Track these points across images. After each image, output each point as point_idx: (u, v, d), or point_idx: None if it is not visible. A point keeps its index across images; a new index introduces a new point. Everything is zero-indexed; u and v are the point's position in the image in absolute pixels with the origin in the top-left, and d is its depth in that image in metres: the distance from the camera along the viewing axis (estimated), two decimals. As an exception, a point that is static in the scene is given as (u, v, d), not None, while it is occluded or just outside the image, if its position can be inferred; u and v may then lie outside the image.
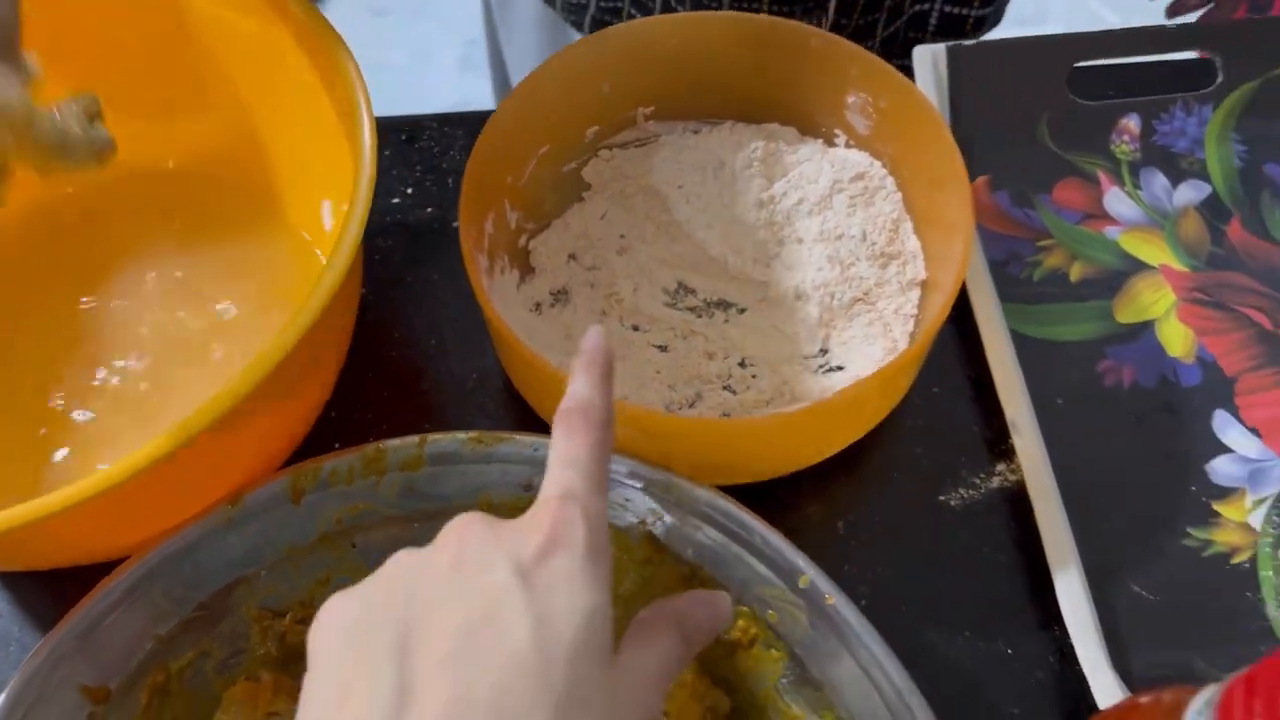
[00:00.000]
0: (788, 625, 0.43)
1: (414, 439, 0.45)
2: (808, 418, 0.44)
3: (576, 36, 0.72)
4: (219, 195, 0.57)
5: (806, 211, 0.54)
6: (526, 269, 0.55)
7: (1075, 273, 0.56)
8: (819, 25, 0.66)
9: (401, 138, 0.61)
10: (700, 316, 0.54)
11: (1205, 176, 0.59)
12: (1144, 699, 0.34)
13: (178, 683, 0.44)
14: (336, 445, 0.52)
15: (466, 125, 0.62)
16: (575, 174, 0.57)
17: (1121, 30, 0.60)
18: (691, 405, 0.51)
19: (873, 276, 0.52)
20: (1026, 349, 0.53)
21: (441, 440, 0.45)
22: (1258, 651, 0.46)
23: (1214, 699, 0.28)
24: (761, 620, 0.43)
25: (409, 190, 0.60)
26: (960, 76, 0.58)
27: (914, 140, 0.51)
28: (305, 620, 0.46)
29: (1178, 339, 0.54)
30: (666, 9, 0.66)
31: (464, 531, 0.31)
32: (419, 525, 0.46)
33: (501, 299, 0.52)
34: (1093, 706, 0.44)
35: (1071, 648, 0.45)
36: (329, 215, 0.55)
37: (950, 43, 0.58)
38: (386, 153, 0.61)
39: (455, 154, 0.61)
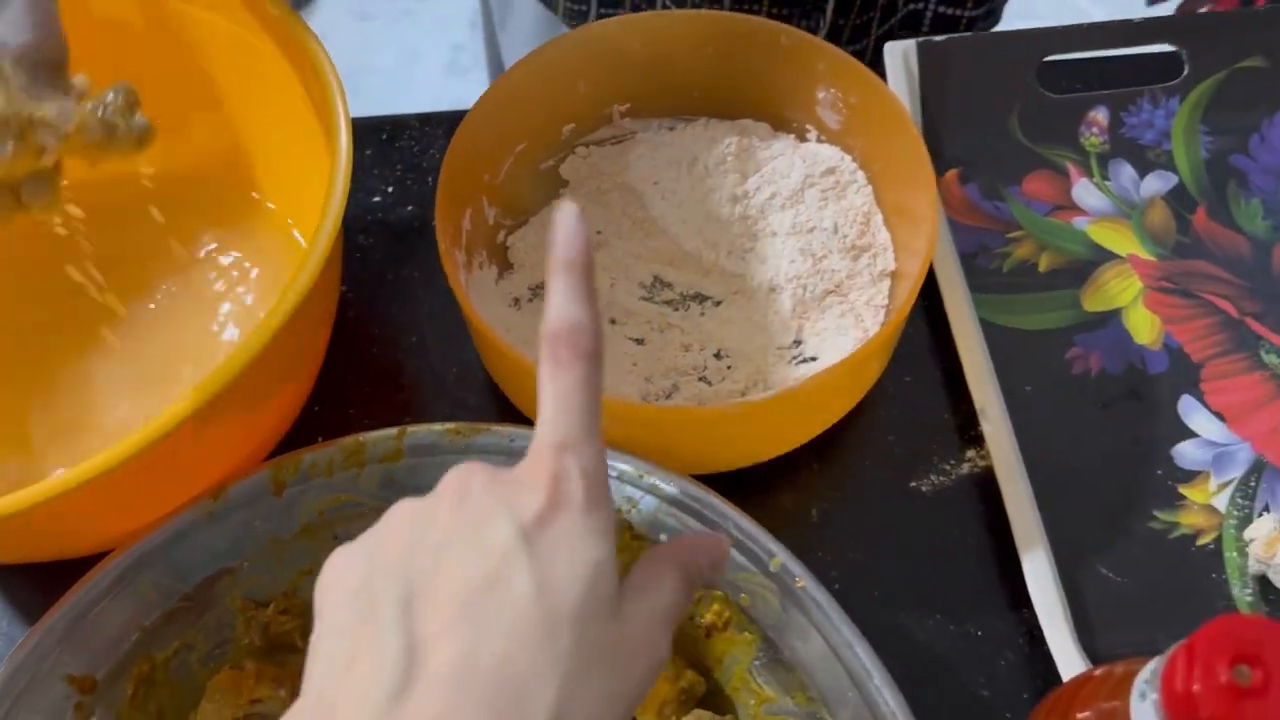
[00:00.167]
0: (760, 608, 0.44)
1: (393, 431, 0.46)
2: (778, 406, 0.45)
3: None
4: (205, 194, 0.58)
5: (779, 206, 0.55)
6: (505, 265, 0.56)
7: (1044, 263, 0.57)
8: (816, 26, 0.67)
9: (382, 137, 0.62)
10: (676, 310, 0.55)
11: (1172, 167, 0.60)
12: (1098, 672, 0.35)
13: (163, 672, 0.45)
14: (319, 439, 0.53)
15: (447, 124, 0.62)
16: (553, 171, 0.58)
17: (1089, 24, 0.61)
18: (668, 397, 0.52)
19: (844, 269, 0.53)
20: (996, 338, 0.54)
21: (420, 432, 0.46)
22: (1222, 630, 0.47)
23: (1158, 668, 0.29)
24: (734, 604, 0.44)
25: (389, 189, 0.60)
26: (931, 71, 0.59)
27: (882, 135, 0.52)
28: (288, 611, 0.47)
29: (1145, 327, 0.55)
30: (696, 10, 0.67)
31: (465, 482, 0.31)
32: (399, 516, 0.47)
33: (480, 294, 0.53)
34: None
35: (1040, 629, 0.46)
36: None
37: (921, 38, 0.59)
38: (367, 152, 0.62)
39: (435, 153, 0.62)
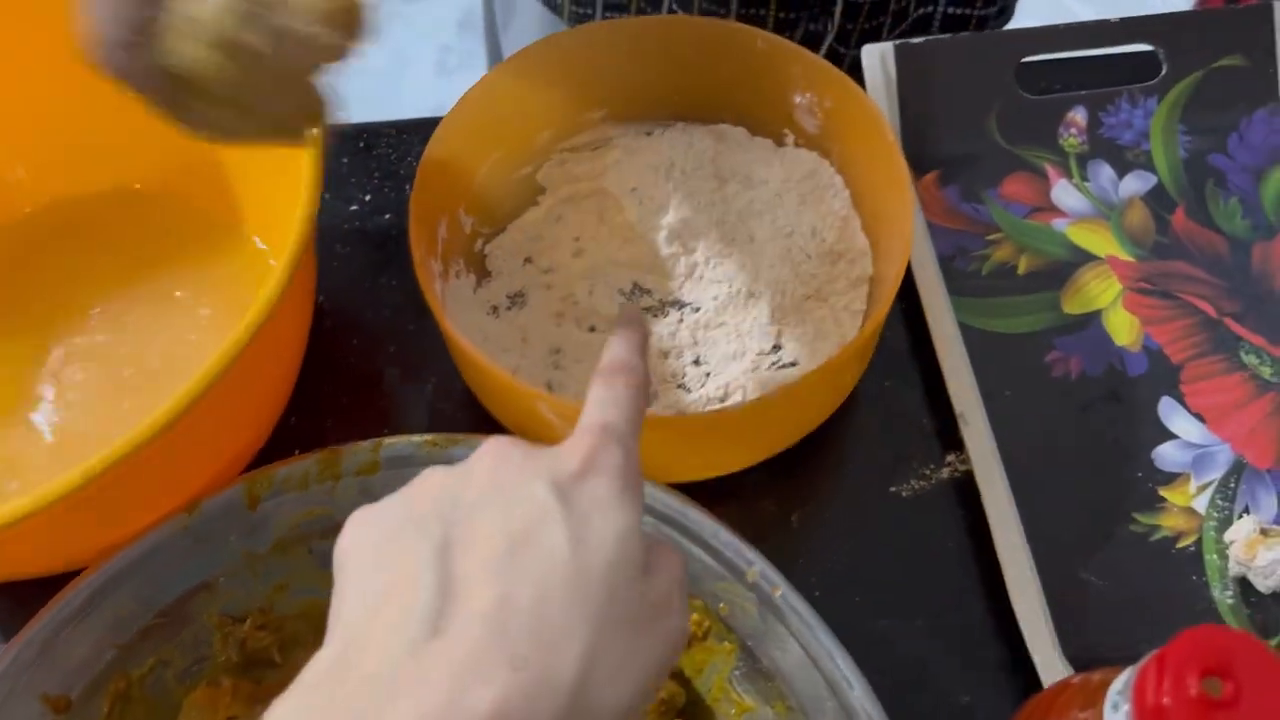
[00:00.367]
0: (738, 618, 0.43)
1: (369, 443, 0.46)
2: (755, 414, 0.45)
3: None
4: (174, 207, 0.58)
5: (757, 211, 0.55)
6: (483, 273, 0.56)
7: (1023, 265, 0.56)
8: (824, 30, 0.66)
9: (359, 145, 0.62)
10: (655, 316, 0.54)
11: (1151, 167, 0.60)
12: (1076, 680, 0.35)
13: (139, 690, 0.44)
14: (296, 452, 0.52)
15: (424, 132, 0.62)
16: (529, 178, 0.58)
17: (1066, 25, 0.61)
18: (647, 404, 0.52)
19: (823, 273, 0.53)
20: (975, 341, 0.54)
21: (397, 443, 0.46)
22: (1203, 633, 0.47)
23: (1131, 679, 0.29)
24: (713, 613, 0.44)
25: (367, 197, 0.60)
26: (909, 74, 0.59)
27: (859, 139, 0.52)
28: (265, 626, 0.47)
29: (1124, 328, 0.54)
30: (672, 14, 0.66)
31: (499, 451, 0.32)
32: (376, 529, 0.47)
33: (457, 303, 0.53)
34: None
35: (1022, 634, 0.46)
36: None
37: (898, 41, 0.59)
38: (344, 160, 0.61)
39: (413, 160, 0.61)
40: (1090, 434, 0.52)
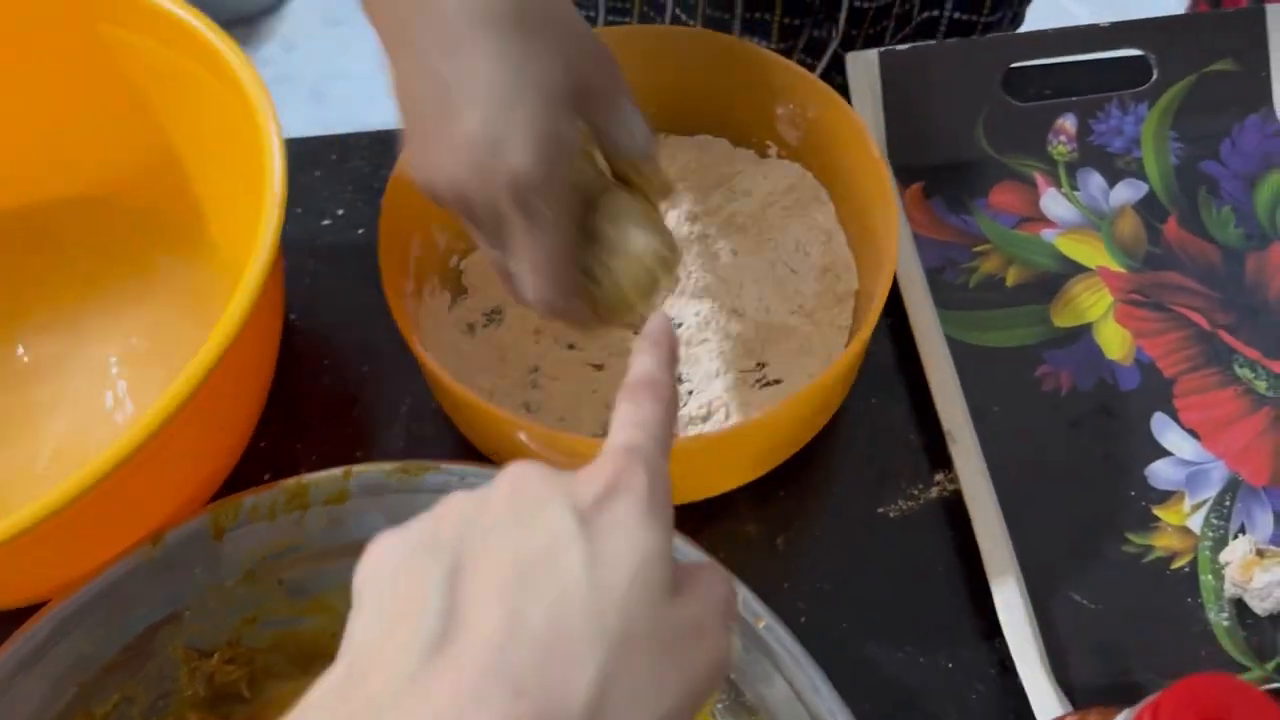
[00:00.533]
0: (721, 649, 0.42)
1: (338, 471, 0.44)
2: (738, 436, 0.43)
3: None
4: (144, 223, 0.56)
5: (741, 224, 0.54)
6: (459, 289, 0.54)
7: (1012, 277, 0.55)
8: (829, 37, 0.65)
9: (332, 157, 0.60)
10: (636, 334, 0.53)
11: (1142, 175, 0.58)
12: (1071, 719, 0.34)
13: (103, 728, 0.43)
14: (266, 477, 0.51)
15: (399, 143, 0.60)
16: (506, 191, 0.56)
17: (1055, 30, 0.59)
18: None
19: (808, 289, 0.52)
20: (963, 356, 0.52)
21: (366, 472, 0.44)
22: (1198, 657, 0.46)
23: (1126, 725, 0.28)
24: (695, 645, 0.43)
25: (340, 211, 0.59)
26: (894, 82, 0.58)
27: (842, 150, 0.51)
28: (234, 660, 0.45)
29: (1116, 341, 0.53)
30: (675, 20, 0.65)
31: (520, 475, 0.31)
32: (347, 560, 0.45)
33: (431, 322, 0.52)
34: (1033, 719, 0.43)
35: (1013, 659, 0.45)
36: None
37: (883, 48, 0.58)
38: (317, 173, 0.60)
39: (387, 173, 0.59)
40: (1081, 451, 0.51)
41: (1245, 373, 0.52)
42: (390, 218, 0.49)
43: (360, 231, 0.58)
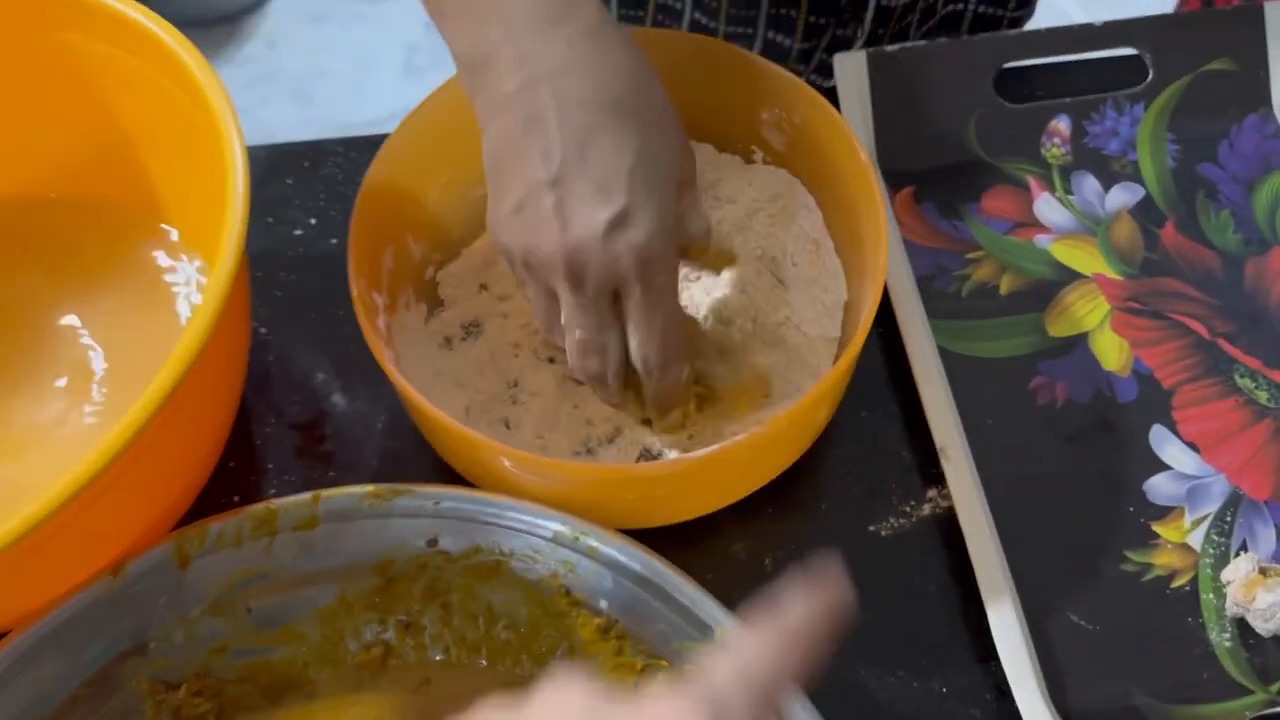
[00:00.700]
0: (706, 680, 0.41)
1: (307, 497, 0.43)
2: (722, 459, 0.42)
3: None
4: (110, 236, 0.54)
5: (726, 232, 0.52)
6: (435, 302, 0.52)
7: (1005, 285, 0.54)
8: (854, 35, 0.64)
9: (304, 164, 0.59)
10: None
11: (1138, 178, 0.57)
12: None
13: (64, 766, 0.41)
14: (236, 499, 0.49)
15: (374, 149, 0.58)
16: (484, 200, 0.54)
17: (1048, 29, 0.58)
18: (611, 441, 0.49)
19: (795, 299, 0.50)
20: (956, 367, 0.51)
21: (336, 496, 0.43)
22: (1200, 679, 0.44)
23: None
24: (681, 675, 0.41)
25: (312, 221, 0.57)
26: (883, 84, 0.56)
27: (829, 156, 0.49)
28: (201, 692, 0.44)
29: (1112, 351, 0.52)
30: (695, 24, 0.63)
31: (560, 704, 0.27)
32: (318, 588, 0.43)
33: (406, 337, 0.50)
34: (1030, 746, 0.42)
35: (1009, 684, 0.43)
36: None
37: (872, 49, 0.56)
38: (289, 181, 0.58)
39: (361, 180, 0.58)
40: (1078, 466, 0.49)
41: (1246, 383, 0.51)
42: (361, 229, 0.47)
43: (334, 241, 0.56)
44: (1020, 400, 0.50)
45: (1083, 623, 0.46)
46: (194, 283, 0.53)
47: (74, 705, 0.42)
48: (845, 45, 0.64)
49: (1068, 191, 0.56)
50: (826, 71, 0.62)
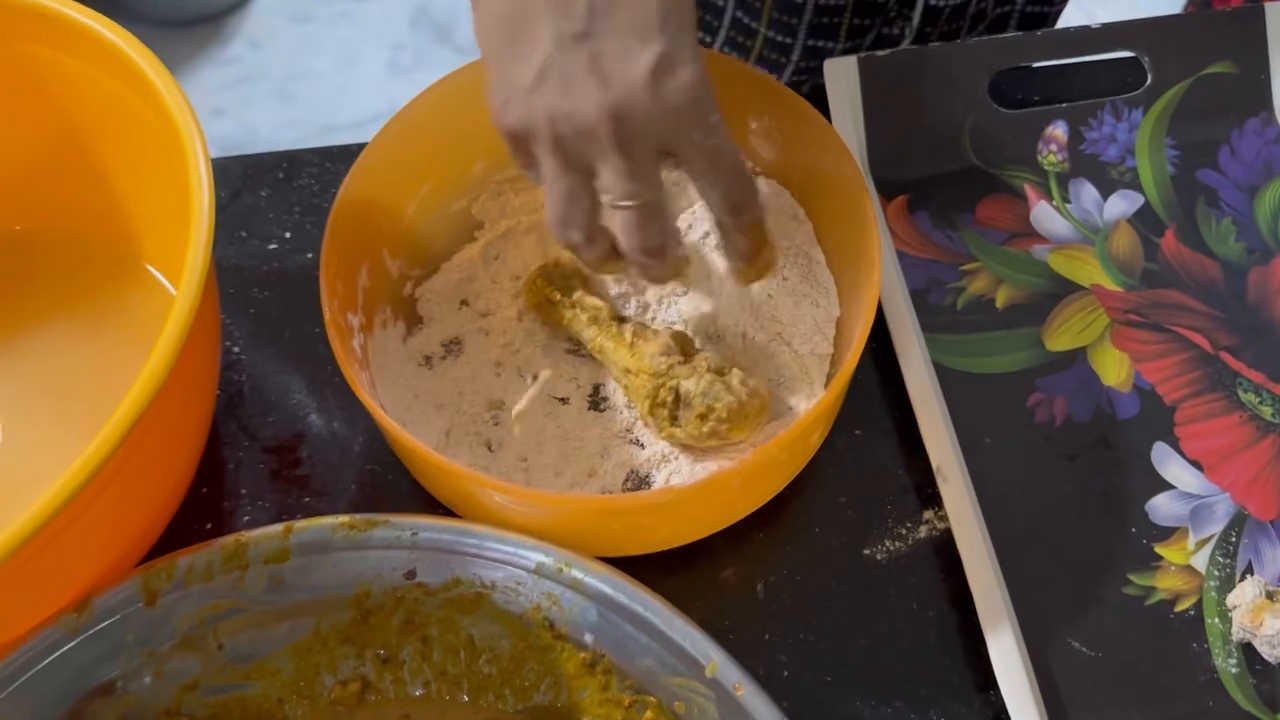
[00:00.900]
0: (696, 717, 0.39)
1: (278, 528, 0.41)
2: (711, 488, 0.40)
3: None
4: (79, 253, 0.53)
5: (714, 245, 0.50)
6: (414, 319, 0.51)
7: (1002, 298, 0.52)
8: (901, 35, 0.62)
9: (279, 175, 0.57)
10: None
11: (1137, 186, 0.55)
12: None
13: (28, 812, 0.40)
14: (208, 526, 0.48)
15: (349, 161, 0.57)
16: (464, 213, 0.53)
17: (1044, 32, 0.56)
18: (599, 461, 0.47)
19: (786, 315, 0.48)
20: (951, 384, 0.49)
21: (309, 528, 0.41)
22: (1206, 708, 0.43)
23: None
24: (669, 712, 0.40)
25: (287, 234, 0.55)
26: (875, 89, 0.54)
27: (818, 167, 0.47)
28: (171, 731, 0.42)
29: (1112, 366, 0.50)
30: (736, 24, 0.61)
31: None
32: (291, 622, 0.42)
33: (383, 357, 0.48)
34: (1032, 781, 0.40)
35: (1009, 714, 0.42)
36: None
37: (863, 54, 0.55)
38: (263, 193, 0.56)
39: (338, 191, 0.56)
40: (1078, 486, 0.48)
41: (1250, 398, 0.49)
42: (335, 246, 0.45)
43: (309, 256, 0.54)
44: (1018, 417, 0.49)
45: (1084, 649, 0.44)
46: (163, 304, 0.51)
47: (39, 747, 0.40)
48: (892, 45, 0.63)
49: (1065, 200, 0.55)
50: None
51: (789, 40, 0.60)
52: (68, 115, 0.48)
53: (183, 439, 0.44)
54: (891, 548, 0.47)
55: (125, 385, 0.37)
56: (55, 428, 0.49)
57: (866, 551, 0.47)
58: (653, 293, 0.50)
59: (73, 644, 0.40)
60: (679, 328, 0.49)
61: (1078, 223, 0.54)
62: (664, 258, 0.41)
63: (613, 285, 0.51)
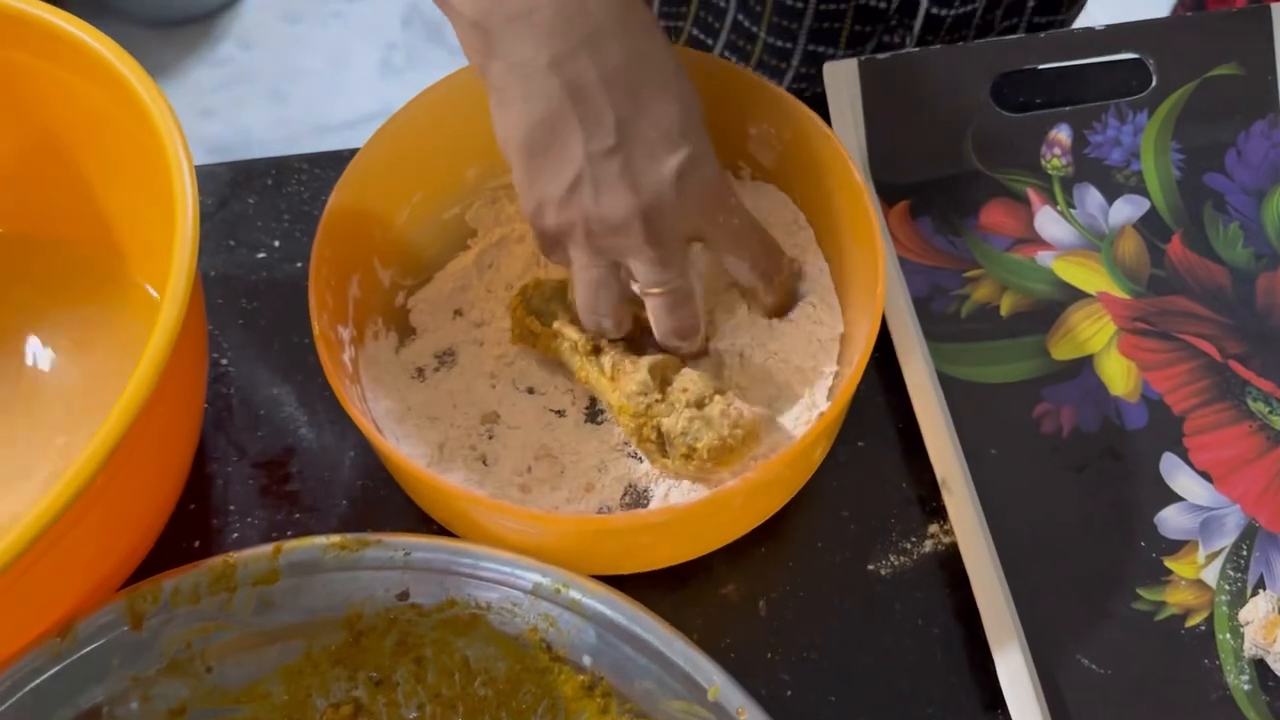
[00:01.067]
0: (698, 742, 0.38)
1: (267, 549, 0.40)
2: (709, 508, 0.39)
3: None
4: (63, 264, 0.51)
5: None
6: (407, 330, 0.50)
7: (1006, 305, 0.51)
8: (902, 44, 0.61)
9: (267, 182, 0.56)
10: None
11: (1143, 190, 0.54)
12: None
13: (11, 842, 0.39)
14: (196, 544, 0.47)
15: (340, 167, 0.55)
16: (458, 220, 0.51)
17: (1047, 34, 0.55)
18: (597, 475, 0.46)
19: (786, 329, 0.47)
20: (956, 393, 0.48)
21: (299, 548, 0.40)
22: (1218, 726, 0.42)
23: None
24: (669, 736, 0.39)
25: (276, 243, 0.54)
26: (875, 93, 0.53)
27: (820, 174, 0.46)
28: (158, 757, 0.41)
29: (1120, 375, 0.49)
30: (737, 28, 0.60)
31: None
32: (282, 644, 0.41)
33: (375, 369, 0.47)
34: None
35: (1017, 733, 0.41)
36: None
37: (864, 56, 0.53)
38: (251, 200, 0.55)
39: (327, 199, 0.55)
40: (1086, 498, 0.47)
41: (1260, 407, 0.48)
42: (324, 256, 0.44)
43: (299, 265, 0.53)
44: (1024, 428, 0.48)
45: (1093, 666, 0.43)
46: (149, 315, 0.50)
47: (21, 776, 0.39)
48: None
49: (1069, 205, 0.54)
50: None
51: (789, 45, 0.60)
52: (49, 123, 0.47)
53: (169, 456, 0.43)
54: (896, 562, 0.46)
55: (110, 398, 0.36)
56: (36, 444, 0.48)
57: (870, 566, 0.46)
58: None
59: (56, 669, 0.39)
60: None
61: (1083, 228, 0.53)
62: (695, 336, 0.45)
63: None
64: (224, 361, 0.51)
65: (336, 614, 0.40)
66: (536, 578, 0.39)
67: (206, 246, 0.53)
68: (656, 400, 0.43)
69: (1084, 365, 0.49)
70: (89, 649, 0.39)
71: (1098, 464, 0.47)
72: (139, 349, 0.42)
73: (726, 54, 0.62)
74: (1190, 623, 0.44)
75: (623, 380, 0.44)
